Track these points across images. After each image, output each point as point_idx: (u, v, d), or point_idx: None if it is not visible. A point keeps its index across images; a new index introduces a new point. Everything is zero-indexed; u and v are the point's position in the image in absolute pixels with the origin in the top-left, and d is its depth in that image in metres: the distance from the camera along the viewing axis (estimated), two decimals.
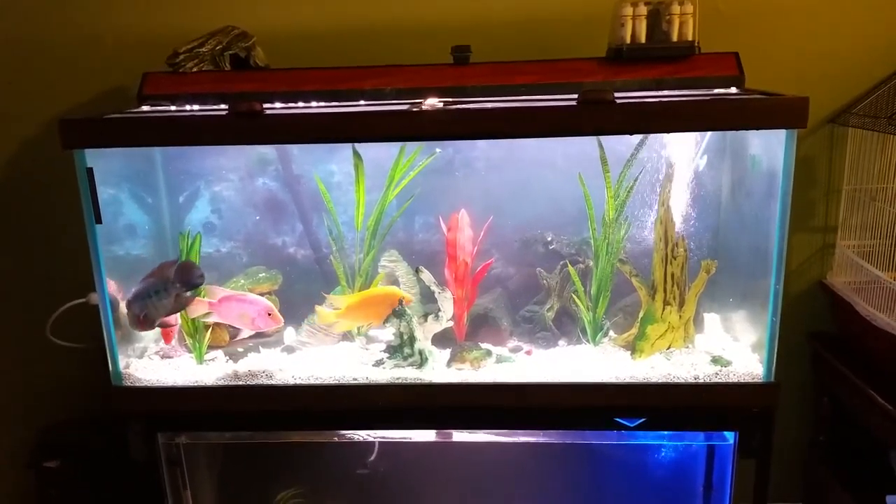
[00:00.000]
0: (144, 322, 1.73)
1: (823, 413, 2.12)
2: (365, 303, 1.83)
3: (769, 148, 1.68)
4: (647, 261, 1.80)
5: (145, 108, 1.88)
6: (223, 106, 1.79)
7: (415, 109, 1.64)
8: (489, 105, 1.69)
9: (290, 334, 1.93)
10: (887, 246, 1.88)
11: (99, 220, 1.71)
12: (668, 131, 1.68)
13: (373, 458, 2.05)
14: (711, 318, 1.93)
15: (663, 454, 2.01)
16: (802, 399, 2.21)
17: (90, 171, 1.67)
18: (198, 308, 1.77)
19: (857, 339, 1.99)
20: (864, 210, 1.98)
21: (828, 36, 2.02)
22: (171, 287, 1.71)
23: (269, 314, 1.78)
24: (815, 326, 2.14)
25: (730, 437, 1.78)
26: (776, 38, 2.02)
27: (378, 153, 1.86)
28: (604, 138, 1.71)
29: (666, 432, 1.84)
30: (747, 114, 1.56)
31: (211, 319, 1.81)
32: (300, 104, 1.83)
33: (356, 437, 1.91)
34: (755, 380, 1.68)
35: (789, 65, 2.03)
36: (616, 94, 1.54)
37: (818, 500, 2.17)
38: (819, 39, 2.02)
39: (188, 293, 1.73)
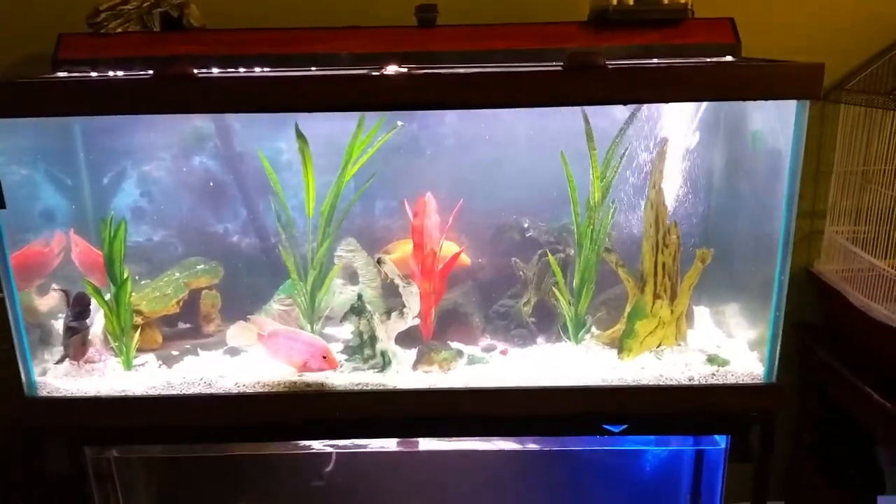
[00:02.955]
0: None
1: (809, 408, 1.87)
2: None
3: (770, 122, 1.41)
4: (634, 249, 1.52)
5: (61, 74, 1.52)
6: (152, 72, 1.43)
7: (374, 74, 1.31)
8: (460, 71, 1.37)
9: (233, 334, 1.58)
10: (882, 231, 1.63)
11: (2, 205, 1.36)
12: (666, 101, 1.38)
13: (329, 469, 1.73)
14: (701, 312, 1.65)
15: (648, 460, 1.74)
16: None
17: None
18: (246, 336, 1.50)
19: (849, 330, 1.74)
20: (856, 193, 1.73)
21: (822, 6, 1.74)
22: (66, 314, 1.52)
23: (325, 357, 1.45)
24: (798, 317, 1.89)
25: (721, 440, 1.52)
26: (766, 5, 1.74)
27: (333, 129, 1.53)
28: (589, 112, 1.40)
29: (652, 437, 1.57)
30: (754, 82, 1.28)
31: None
32: (241, 70, 1.49)
33: (310, 447, 1.59)
34: (755, 381, 1.42)
35: (778, 35, 1.74)
36: None
37: (802, 498, 1.93)
38: (811, 9, 1.75)
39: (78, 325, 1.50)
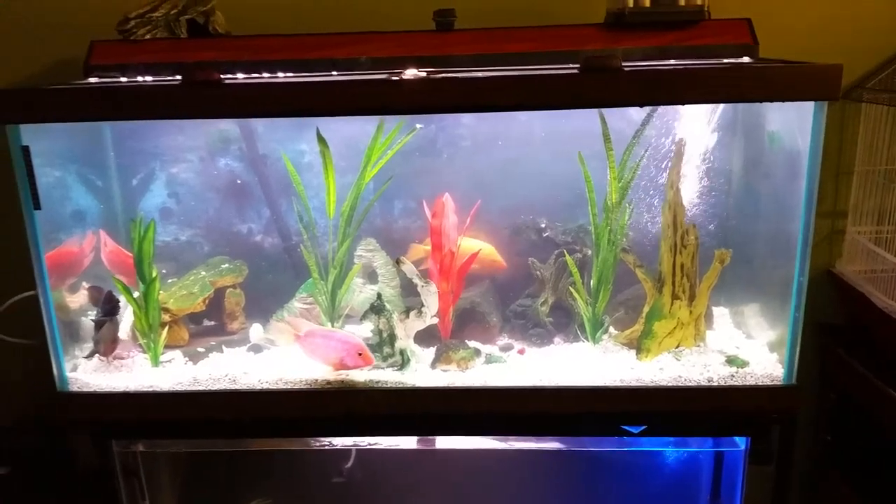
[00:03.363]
0: None
1: (830, 410, 1.85)
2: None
3: (788, 122, 1.40)
4: (650, 249, 1.52)
5: (92, 79, 1.56)
6: (179, 77, 1.47)
7: (393, 79, 1.33)
8: (478, 74, 1.38)
9: (256, 332, 1.62)
10: None
11: (38, 206, 1.41)
12: (683, 103, 1.38)
13: (349, 465, 1.75)
14: (720, 313, 1.64)
15: (666, 461, 1.73)
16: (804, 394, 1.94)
17: (26, 150, 1.38)
18: (284, 335, 1.54)
19: (871, 331, 1.72)
20: (879, 193, 1.70)
21: (841, 3, 1.73)
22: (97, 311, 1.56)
23: (360, 354, 1.47)
24: (819, 317, 1.87)
25: (740, 442, 1.51)
26: (784, 5, 1.73)
27: (353, 131, 1.56)
28: (606, 113, 1.41)
29: (671, 438, 1.57)
30: (771, 83, 1.27)
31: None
32: (264, 75, 1.52)
33: (331, 444, 1.61)
34: (775, 382, 1.41)
35: (797, 34, 1.73)
36: None
37: (824, 501, 1.91)
38: (832, 7, 1.73)
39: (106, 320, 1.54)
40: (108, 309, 1.53)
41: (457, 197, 1.54)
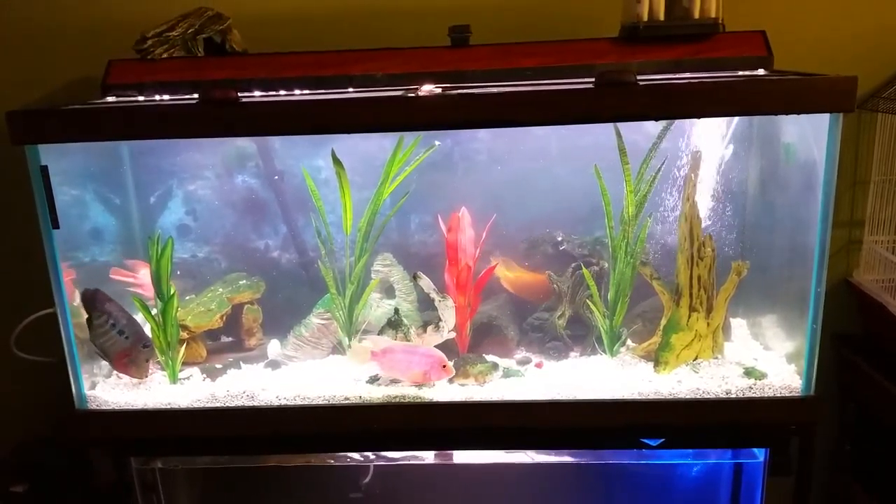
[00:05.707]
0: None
1: (849, 420, 1.87)
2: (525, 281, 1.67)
3: (803, 135, 1.43)
4: (667, 260, 1.55)
5: (110, 98, 1.61)
6: (196, 95, 1.51)
7: (410, 96, 1.37)
8: (494, 90, 1.41)
9: (274, 347, 1.65)
10: None
11: (56, 225, 1.45)
12: (698, 116, 1.41)
13: (367, 480, 1.78)
14: (738, 324, 1.67)
15: (685, 474, 1.75)
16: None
17: (44, 170, 1.41)
18: (361, 355, 1.55)
19: (889, 341, 1.74)
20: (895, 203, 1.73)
21: (856, 13, 1.76)
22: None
23: (444, 366, 1.50)
24: (837, 327, 1.89)
25: (759, 454, 1.53)
26: (799, 15, 1.76)
27: (370, 146, 1.59)
28: (622, 126, 1.44)
29: (688, 451, 1.59)
30: (786, 96, 1.30)
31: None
32: (281, 93, 1.56)
33: (349, 459, 1.64)
34: (793, 393, 1.43)
35: (812, 45, 1.76)
36: None
37: None
38: (847, 17, 1.76)
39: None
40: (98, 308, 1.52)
41: (473, 211, 1.58)
